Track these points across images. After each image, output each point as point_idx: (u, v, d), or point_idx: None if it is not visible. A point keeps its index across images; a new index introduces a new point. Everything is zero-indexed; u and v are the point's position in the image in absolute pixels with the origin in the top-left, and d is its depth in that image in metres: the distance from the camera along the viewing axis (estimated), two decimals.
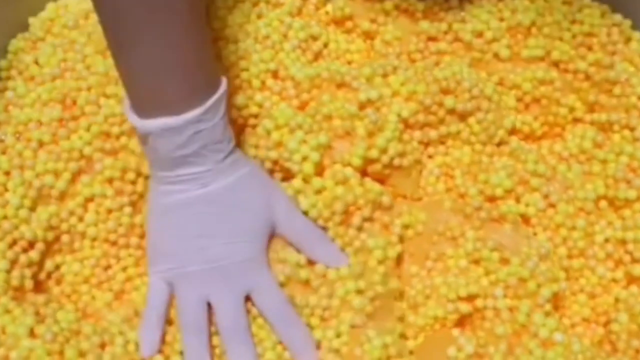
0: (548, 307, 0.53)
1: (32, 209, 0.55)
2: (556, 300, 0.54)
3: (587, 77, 0.61)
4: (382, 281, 0.53)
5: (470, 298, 0.53)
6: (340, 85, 0.59)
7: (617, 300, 0.55)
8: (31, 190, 0.56)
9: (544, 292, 0.53)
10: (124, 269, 0.57)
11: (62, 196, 0.56)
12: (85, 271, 0.56)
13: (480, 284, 0.54)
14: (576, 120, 0.62)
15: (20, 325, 0.51)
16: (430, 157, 0.60)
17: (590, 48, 0.62)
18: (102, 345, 0.52)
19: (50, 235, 0.55)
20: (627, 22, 0.63)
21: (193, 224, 0.51)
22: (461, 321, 0.54)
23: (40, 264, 0.55)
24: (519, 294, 0.53)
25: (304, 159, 0.55)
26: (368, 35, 0.64)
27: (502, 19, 0.62)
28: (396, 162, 0.57)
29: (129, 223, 0.56)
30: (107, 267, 0.57)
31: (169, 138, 0.49)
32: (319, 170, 0.56)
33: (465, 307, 0.53)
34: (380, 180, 0.58)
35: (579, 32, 0.62)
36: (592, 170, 0.58)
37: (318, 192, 0.55)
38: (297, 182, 0.55)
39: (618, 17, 0.63)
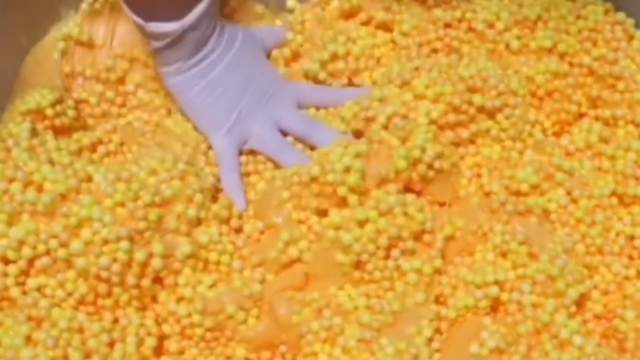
0: (573, 308, 0.52)
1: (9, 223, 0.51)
2: (581, 300, 0.53)
3: (591, 72, 0.61)
4: (399, 298, 0.52)
5: (498, 284, 0.53)
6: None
7: (624, 296, 0.54)
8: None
9: (571, 292, 0.52)
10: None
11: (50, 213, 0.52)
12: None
13: (507, 275, 0.53)
14: (581, 115, 0.62)
15: (16, 335, 0.48)
16: (461, 158, 0.59)
17: (594, 43, 0.62)
18: (111, 344, 0.50)
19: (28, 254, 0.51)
20: (630, 21, 0.63)
21: (222, 96, 0.59)
22: (492, 309, 0.53)
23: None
24: (547, 292, 0.52)
25: (347, 169, 0.54)
26: (386, 28, 0.63)
27: (509, 13, 0.61)
28: (437, 164, 0.55)
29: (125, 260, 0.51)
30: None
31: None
32: (363, 189, 0.54)
33: (494, 291, 0.52)
34: (420, 191, 0.56)
35: (583, 27, 0.62)
36: (602, 166, 0.58)
37: (361, 224, 0.53)
38: (336, 218, 0.53)
39: (621, 16, 0.63)
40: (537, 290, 0.52)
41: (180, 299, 0.53)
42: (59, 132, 0.59)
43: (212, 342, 0.53)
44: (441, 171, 0.56)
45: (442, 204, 0.57)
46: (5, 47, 0.60)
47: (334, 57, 0.61)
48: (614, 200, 0.57)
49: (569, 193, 0.56)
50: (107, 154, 0.60)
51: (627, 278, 0.55)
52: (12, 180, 0.52)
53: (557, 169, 0.57)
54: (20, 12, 0.60)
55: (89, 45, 0.61)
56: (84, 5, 0.61)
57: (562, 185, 0.56)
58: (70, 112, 0.59)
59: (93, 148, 0.60)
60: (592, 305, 0.54)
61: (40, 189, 0.52)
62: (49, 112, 0.58)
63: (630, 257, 0.56)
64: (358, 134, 0.58)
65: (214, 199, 0.56)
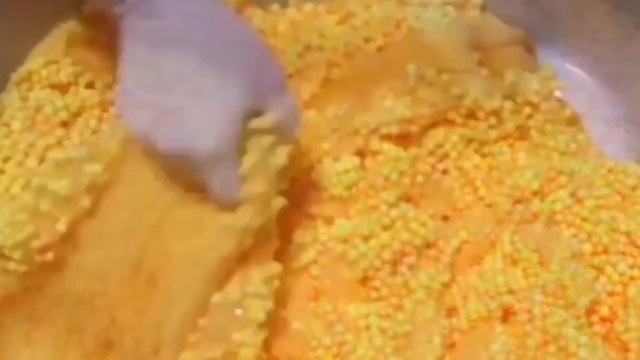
0: (583, 320, 0.52)
1: None
2: (592, 306, 0.53)
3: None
4: (409, 318, 0.51)
5: (511, 292, 0.52)
6: None
7: (626, 298, 0.54)
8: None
9: (582, 300, 0.52)
10: None
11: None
12: None
13: (519, 283, 0.52)
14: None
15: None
16: (444, 172, 0.57)
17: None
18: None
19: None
20: (630, 22, 0.63)
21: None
22: (502, 319, 0.53)
23: None
24: (558, 301, 0.52)
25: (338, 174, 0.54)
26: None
27: None
28: (419, 179, 0.55)
29: None
30: None
31: None
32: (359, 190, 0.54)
33: (507, 299, 0.52)
34: (419, 204, 0.56)
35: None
36: (606, 165, 0.58)
37: (366, 239, 0.52)
38: (343, 230, 0.53)
39: (622, 16, 0.63)
40: (548, 299, 0.52)
41: None
42: (58, 89, 0.57)
43: None
44: (426, 184, 0.55)
45: (445, 218, 0.56)
46: (5, 48, 0.59)
47: (308, 49, 0.60)
48: (618, 198, 0.56)
49: (573, 194, 0.56)
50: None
51: (632, 278, 0.54)
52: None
53: (558, 172, 0.56)
54: (22, 13, 0.59)
55: (92, 42, 0.60)
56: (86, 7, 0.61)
57: (565, 187, 0.56)
58: (70, 69, 0.57)
59: (104, 107, 0.57)
60: (598, 308, 0.54)
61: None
62: (44, 72, 0.56)
63: (632, 255, 0.55)
64: None
65: None
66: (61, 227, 0.47)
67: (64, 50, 0.59)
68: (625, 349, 0.52)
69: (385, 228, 0.52)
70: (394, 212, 0.53)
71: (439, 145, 0.56)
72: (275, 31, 0.62)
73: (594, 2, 0.63)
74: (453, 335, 0.52)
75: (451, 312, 0.53)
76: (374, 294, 0.52)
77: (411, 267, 0.52)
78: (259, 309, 0.47)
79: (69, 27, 0.60)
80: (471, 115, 0.57)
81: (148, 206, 0.48)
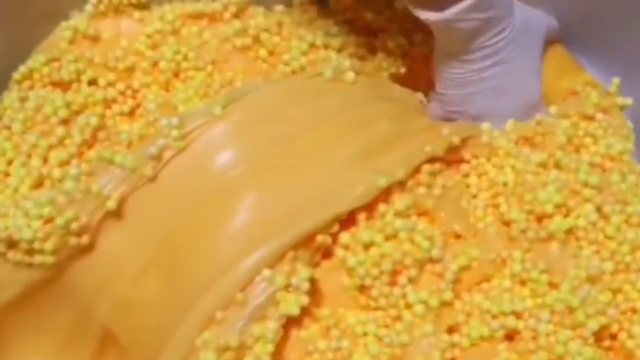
0: (591, 340, 0.50)
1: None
2: (601, 330, 0.51)
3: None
4: (407, 329, 0.50)
5: (516, 314, 0.51)
6: None
7: (634, 310, 0.52)
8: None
9: (591, 324, 0.50)
10: None
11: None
12: None
13: (525, 304, 0.51)
14: None
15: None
16: (478, 192, 0.56)
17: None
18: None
19: None
20: None
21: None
22: (507, 337, 0.51)
23: None
24: (565, 322, 0.50)
25: None
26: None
27: None
28: (436, 192, 0.54)
29: None
30: None
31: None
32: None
33: (511, 321, 0.50)
34: (433, 219, 0.54)
35: None
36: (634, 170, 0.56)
37: (366, 247, 0.51)
38: (345, 237, 0.51)
39: (631, 25, 0.62)
40: (555, 319, 0.50)
41: None
42: (60, 87, 0.57)
43: None
44: (443, 197, 0.54)
45: (458, 236, 0.54)
46: (6, 48, 0.58)
47: (313, 46, 0.59)
48: None
49: (599, 209, 0.53)
50: (121, 114, 0.57)
51: None
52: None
53: (583, 185, 0.54)
54: (24, 13, 0.59)
55: (95, 39, 0.60)
56: (89, 7, 0.60)
57: (590, 202, 0.53)
58: (72, 67, 0.57)
59: (107, 104, 0.57)
60: (609, 326, 0.52)
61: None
62: (45, 70, 0.56)
63: None
64: None
65: None
66: (111, 203, 0.49)
67: (66, 47, 0.59)
68: (630, 357, 0.51)
69: (388, 238, 0.51)
70: (399, 223, 0.51)
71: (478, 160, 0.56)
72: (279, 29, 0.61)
73: (608, 12, 0.62)
74: (454, 350, 0.50)
75: (453, 328, 0.51)
76: (372, 303, 0.51)
77: (411, 281, 0.51)
78: (293, 302, 0.47)
79: (71, 24, 0.59)
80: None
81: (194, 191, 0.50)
